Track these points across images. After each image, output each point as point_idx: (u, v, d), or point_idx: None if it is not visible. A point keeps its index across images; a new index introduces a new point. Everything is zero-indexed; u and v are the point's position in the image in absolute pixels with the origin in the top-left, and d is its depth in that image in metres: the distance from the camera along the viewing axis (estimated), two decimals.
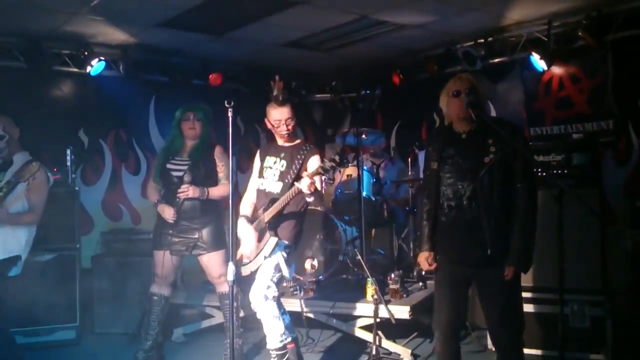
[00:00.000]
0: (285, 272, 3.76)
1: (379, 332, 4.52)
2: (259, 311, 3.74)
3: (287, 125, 3.81)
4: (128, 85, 6.30)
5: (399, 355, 4.54)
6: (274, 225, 3.75)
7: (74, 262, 5.22)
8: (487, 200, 3.00)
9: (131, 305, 5.27)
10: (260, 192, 3.93)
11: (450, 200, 3.12)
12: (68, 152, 5.39)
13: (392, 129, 7.37)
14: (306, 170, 3.68)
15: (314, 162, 3.72)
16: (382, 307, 4.46)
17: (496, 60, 6.08)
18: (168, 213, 4.31)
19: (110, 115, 6.43)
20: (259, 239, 3.77)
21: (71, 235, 5.26)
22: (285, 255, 3.76)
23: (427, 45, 6.37)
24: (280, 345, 3.74)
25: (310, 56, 6.68)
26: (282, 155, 3.88)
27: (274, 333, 3.73)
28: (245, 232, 3.82)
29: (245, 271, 3.84)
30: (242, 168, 7.42)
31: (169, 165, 4.39)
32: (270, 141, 3.85)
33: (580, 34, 5.27)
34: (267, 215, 3.73)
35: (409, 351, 4.54)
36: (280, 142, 3.94)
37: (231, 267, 3.08)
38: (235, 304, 4.36)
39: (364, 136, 5.64)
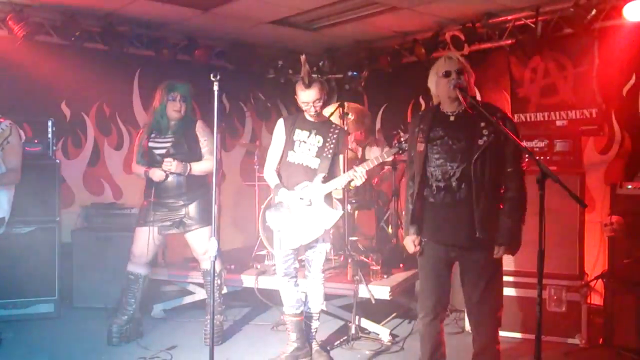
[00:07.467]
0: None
1: (359, 312, 4.56)
2: (317, 284, 4.09)
3: (315, 107, 3.85)
4: (112, 58, 6.20)
5: (378, 334, 4.58)
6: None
7: (53, 235, 5.18)
8: (478, 182, 3.00)
9: (110, 280, 5.24)
10: (293, 165, 3.93)
11: (439, 181, 3.09)
12: (49, 124, 5.31)
13: (378, 112, 7.37)
14: (342, 152, 3.94)
15: (347, 144, 3.99)
16: (362, 287, 4.50)
17: (483, 45, 6.09)
18: (159, 175, 4.30)
19: (93, 89, 6.32)
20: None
21: (51, 209, 5.21)
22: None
23: (416, 28, 6.34)
24: (320, 308, 4.20)
25: (298, 35, 6.62)
26: (315, 130, 3.92)
27: (320, 298, 4.16)
28: (295, 200, 3.87)
29: (307, 239, 3.91)
30: (227, 147, 7.36)
31: (151, 144, 4.37)
32: (294, 113, 3.90)
33: (567, 21, 5.29)
34: (325, 189, 3.85)
35: (388, 331, 4.59)
36: (309, 117, 3.95)
37: (214, 242, 3.07)
38: (218, 280, 4.39)
39: (350, 116, 5.59)
